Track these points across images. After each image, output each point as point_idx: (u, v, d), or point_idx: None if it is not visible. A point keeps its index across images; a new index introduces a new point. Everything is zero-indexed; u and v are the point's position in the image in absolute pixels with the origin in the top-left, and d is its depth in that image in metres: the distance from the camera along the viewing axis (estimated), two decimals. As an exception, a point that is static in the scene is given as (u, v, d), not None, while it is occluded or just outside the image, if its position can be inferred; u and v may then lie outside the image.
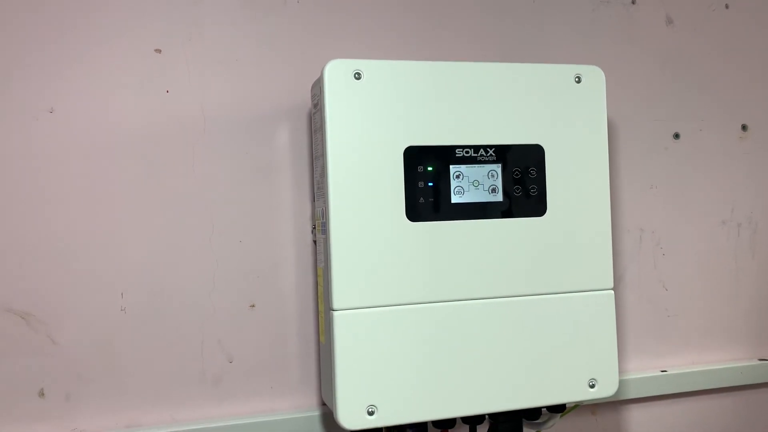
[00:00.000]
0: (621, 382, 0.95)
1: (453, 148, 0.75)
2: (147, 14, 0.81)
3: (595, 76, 0.80)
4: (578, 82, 0.80)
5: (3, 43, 0.77)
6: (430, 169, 0.74)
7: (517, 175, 0.77)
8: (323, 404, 0.86)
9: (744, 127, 1.06)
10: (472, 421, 0.80)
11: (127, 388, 0.81)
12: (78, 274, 0.79)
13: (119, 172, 0.80)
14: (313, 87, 0.78)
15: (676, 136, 1.03)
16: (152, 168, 0.81)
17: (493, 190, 0.77)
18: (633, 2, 1.01)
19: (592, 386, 0.79)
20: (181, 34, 0.83)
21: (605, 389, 0.80)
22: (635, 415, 1.01)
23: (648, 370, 1.01)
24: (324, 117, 0.72)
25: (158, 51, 0.82)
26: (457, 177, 0.75)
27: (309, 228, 0.86)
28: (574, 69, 0.80)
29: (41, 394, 0.78)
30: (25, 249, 0.77)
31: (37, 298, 0.78)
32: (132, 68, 0.81)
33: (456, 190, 0.75)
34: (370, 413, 0.72)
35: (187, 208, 0.82)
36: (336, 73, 0.72)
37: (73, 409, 0.79)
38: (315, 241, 0.85)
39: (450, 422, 0.78)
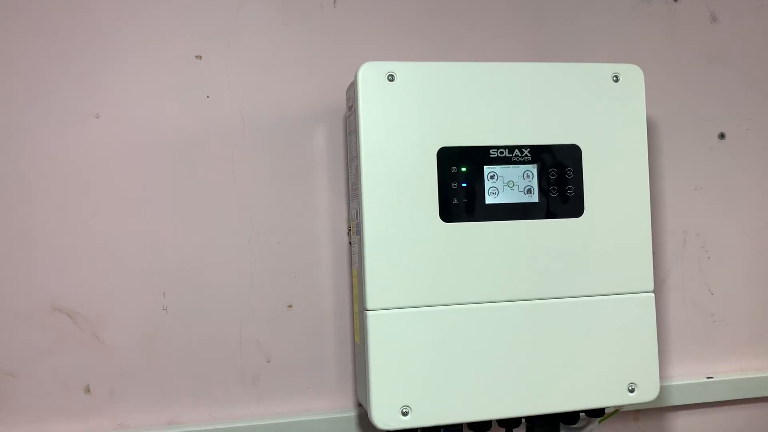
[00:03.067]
0: (665, 389, 0.94)
1: (487, 148, 0.75)
2: (188, 21, 0.84)
3: (633, 75, 0.79)
4: (616, 81, 0.78)
5: (51, 51, 0.80)
6: (464, 169, 0.74)
7: (553, 175, 0.77)
8: (359, 405, 0.87)
9: (794, 127, 1.03)
10: (508, 424, 0.79)
11: (169, 385, 0.83)
12: (122, 274, 0.81)
13: (162, 175, 0.83)
14: (348, 90, 0.79)
15: (722, 136, 1.00)
16: (193, 171, 0.83)
17: (529, 191, 0.76)
18: (675, 0, 0.99)
19: (632, 390, 0.77)
20: (221, 40, 0.85)
21: (645, 394, 0.78)
22: (679, 423, 0.99)
23: (693, 377, 0.98)
24: (358, 119, 0.72)
25: (199, 57, 0.84)
26: (492, 178, 0.75)
27: (345, 229, 0.87)
28: (611, 68, 0.78)
29: (87, 390, 0.81)
30: (71, 250, 0.80)
31: (84, 297, 0.80)
32: (174, 74, 0.83)
33: (490, 190, 0.75)
34: (405, 413, 0.72)
35: (226, 210, 0.84)
36: (369, 76, 0.72)
37: (118, 405, 0.82)
38: (350, 243, 0.85)
39: (485, 425, 0.78)
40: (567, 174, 0.77)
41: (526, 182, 0.76)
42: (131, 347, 0.82)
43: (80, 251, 0.80)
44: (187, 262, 0.83)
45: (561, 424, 0.81)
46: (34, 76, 0.80)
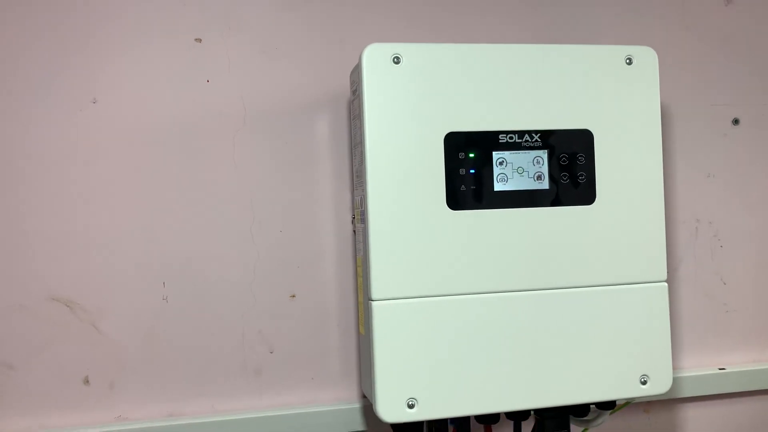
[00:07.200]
0: (676, 380, 0.92)
1: (496, 133, 0.73)
2: (187, 3, 0.81)
3: (647, 58, 0.76)
4: (629, 63, 0.76)
5: (47, 35, 0.78)
6: (471, 155, 0.72)
7: (564, 161, 0.74)
8: (364, 396, 0.85)
9: (810, 112, 1.00)
10: (517, 416, 0.77)
11: (169, 377, 0.81)
12: (121, 264, 0.80)
13: (161, 162, 0.81)
14: (352, 73, 0.77)
15: (736, 121, 0.98)
16: (193, 158, 0.81)
17: (539, 177, 0.74)
18: (689, -19, 0.96)
19: (644, 383, 0.75)
20: (221, 22, 0.82)
21: (658, 386, 0.76)
22: (691, 415, 0.97)
23: (705, 368, 0.96)
24: (362, 103, 0.70)
25: (198, 40, 0.82)
26: (501, 164, 0.73)
27: (349, 218, 0.85)
28: (624, 50, 0.76)
29: (86, 381, 0.79)
30: (69, 238, 0.78)
31: (82, 286, 0.79)
32: (173, 58, 0.81)
33: (499, 177, 0.73)
34: (411, 406, 0.70)
35: (227, 198, 0.82)
36: (374, 58, 0.70)
37: (117, 397, 0.80)
38: (355, 231, 0.83)
39: (493, 417, 0.76)
40: (578, 160, 0.74)
41: (536, 168, 0.74)
42: (131, 338, 0.80)
43: (77, 239, 0.79)
44: (187, 251, 0.81)
45: (571, 416, 0.79)
46: (30, 61, 0.78)
